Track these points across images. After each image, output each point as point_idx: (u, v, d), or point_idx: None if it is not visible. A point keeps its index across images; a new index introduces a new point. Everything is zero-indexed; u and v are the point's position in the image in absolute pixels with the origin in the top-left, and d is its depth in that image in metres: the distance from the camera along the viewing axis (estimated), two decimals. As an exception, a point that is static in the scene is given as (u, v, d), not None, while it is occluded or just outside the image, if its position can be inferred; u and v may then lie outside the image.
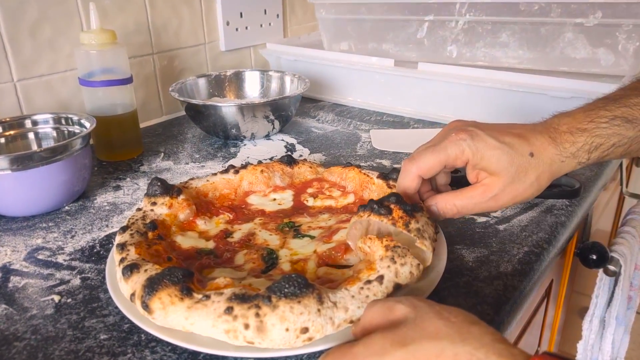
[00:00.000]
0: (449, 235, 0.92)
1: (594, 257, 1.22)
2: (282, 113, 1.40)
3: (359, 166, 1.02)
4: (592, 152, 0.73)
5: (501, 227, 0.95)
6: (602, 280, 1.32)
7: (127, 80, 1.29)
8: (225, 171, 1.04)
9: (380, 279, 0.65)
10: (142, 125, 1.55)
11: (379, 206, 0.74)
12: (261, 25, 1.91)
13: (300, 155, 1.32)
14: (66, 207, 1.07)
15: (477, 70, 1.42)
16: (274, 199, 1.02)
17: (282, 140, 1.43)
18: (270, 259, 0.79)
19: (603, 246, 1.24)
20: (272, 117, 1.39)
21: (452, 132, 0.76)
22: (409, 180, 0.79)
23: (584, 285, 1.59)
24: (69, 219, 1.03)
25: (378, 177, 0.96)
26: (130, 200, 1.10)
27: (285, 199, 1.02)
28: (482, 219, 0.98)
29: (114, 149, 1.33)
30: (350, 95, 1.70)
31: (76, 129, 1.16)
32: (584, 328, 1.38)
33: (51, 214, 1.05)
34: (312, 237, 0.86)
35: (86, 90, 1.26)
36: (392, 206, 0.74)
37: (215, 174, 1.03)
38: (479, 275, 0.81)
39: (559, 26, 1.38)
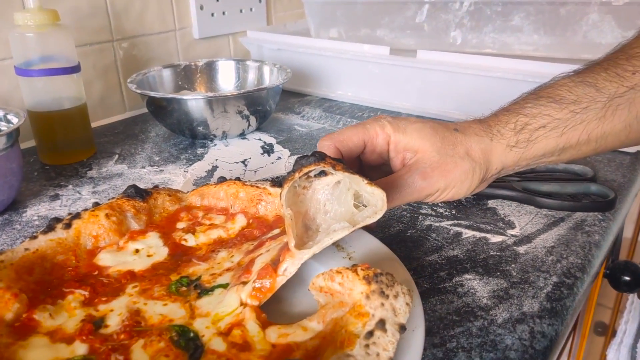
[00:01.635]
0: (456, 260, 0.73)
1: (627, 278, 1.03)
2: (258, 108, 1.20)
3: (238, 179, 0.79)
4: (519, 133, 0.68)
5: (521, 248, 0.76)
6: (633, 305, 1.14)
7: (74, 69, 1.08)
8: (50, 229, 0.68)
9: (382, 324, 0.48)
10: (101, 122, 1.36)
11: (309, 156, 0.59)
12: (241, 11, 1.67)
13: (279, 158, 1.13)
14: (-13, 221, 0.89)
15: (486, 59, 1.22)
16: (137, 250, 0.69)
17: (259, 139, 1.24)
18: (188, 341, 0.52)
19: (637, 266, 1.05)
20: (246, 112, 1.19)
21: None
22: (325, 147, 0.70)
23: (601, 295, 1.40)
24: (-13, 235, 0.85)
25: (272, 185, 0.75)
26: (67, 212, 0.91)
27: (154, 246, 0.69)
28: (497, 239, 0.79)
29: (59, 151, 1.12)
30: (340, 88, 1.51)
31: (2, 126, 0.97)
32: (610, 357, 1.19)
33: (-31, 228, 0.86)
34: (225, 286, 0.60)
35: (24, 81, 1.05)
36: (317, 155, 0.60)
37: (35, 237, 0.67)
38: (496, 318, 0.61)
39: (582, 6, 1.19)
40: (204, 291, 0.61)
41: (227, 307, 0.57)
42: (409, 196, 0.67)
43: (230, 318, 0.55)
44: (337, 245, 0.67)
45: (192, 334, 0.54)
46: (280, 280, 0.57)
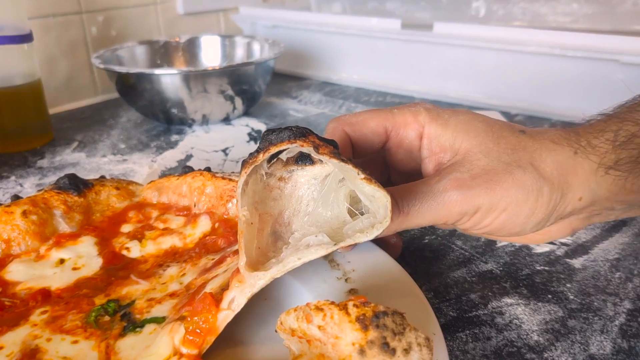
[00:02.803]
0: (490, 277, 0.54)
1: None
2: (244, 87, 1.02)
3: (208, 169, 0.60)
4: (621, 147, 0.45)
5: (577, 262, 0.58)
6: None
7: (23, 39, 0.92)
8: None
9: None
10: (66, 107, 1.20)
11: (282, 130, 0.39)
12: (233, -16, 1.52)
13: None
14: None
15: (516, 30, 1.04)
16: (62, 261, 0.52)
17: (247, 125, 1.06)
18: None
19: None
20: (230, 92, 1.01)
21: None
22: (329, 133, 0.53)
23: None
24: None
25: None
26: None
27: (85, 255, 0.52)
28: (543, 248, 0.60)
29: (7, 136, 0.94)
30: (344, 70, 1.32)
31: None
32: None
33: None
34: (160, 321, 0.44)
35: (-35, 52, 0.90)
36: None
37: None
38: (554, 364, 0.43)
39: (633, -33, 1.01)
40: (131, 325, 0.43)
41: (155, 354, 0.39)
42: (434, 212, 0.46)
43: (159, 373, 0.37)
44: (330, 259, 0.49)
45: (99, 396, 0.36)
46: (224, 316, 0.39)
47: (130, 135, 1.01)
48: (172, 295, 0.46)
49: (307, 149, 0.38)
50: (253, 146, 0.93)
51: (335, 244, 0.38)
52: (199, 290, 0.44)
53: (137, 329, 0.42)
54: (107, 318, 0.44)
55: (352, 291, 0.46)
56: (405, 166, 0.54)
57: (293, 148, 0.39)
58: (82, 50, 1.22)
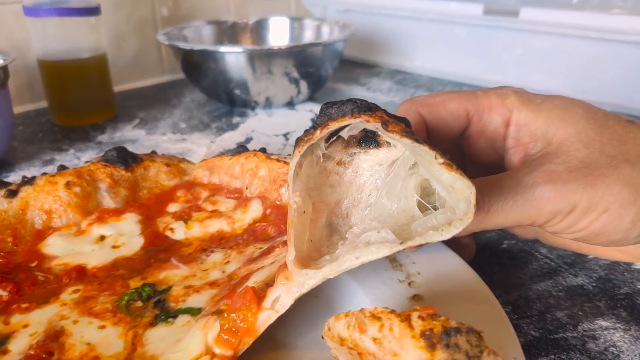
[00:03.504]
0: (581, 294, 0.46)
1: None
2: (310, 70, 0.97)
3: (264, 151, 0.55)
4: None
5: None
6: None
7: (91, 11, 0.91)
8: None
9: None
10: (133, 85, 1.19)
11: (344, 102, 0.33)
12: (307, -34, 1.47)
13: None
14: (-42, 187, 0.71)
15: (614, 18, 0.92)
16: (102, 238, 0.49)
17: (311, 111, 1.00)
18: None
19: None
20: (296, 74, 0.96)
21: None
22: (402, 112, 0.46)
23: None
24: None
25: None
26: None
27: (126, 233, 0.49)
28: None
29: (72, 110, 0.95)
30: (418, 57, 1.24)
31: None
32: None
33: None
34: (195, 312, 0.39)
35: (34, 24, 0.89)
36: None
37: None
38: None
39: None
40: (164, 314, 0.39)
41: (184, 351, 0.34)
42: (520, 210, 0.39)
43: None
44: (392, 258, 0.43)
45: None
46: (266, 317, 0.33)
47: (192, 116, 0.98)
48: (213, 284, 0.41)
49: (374, 125, 0.32)
50: (316, 132, 0.88)
51: (401, 243, 0.31)
52: (241, 282, 0.39)
53: (170, 319, 0.38)
54: (139, 304, 0.40)
55: (415, 298, 0.40)
56: (486, 158, 0.47)
57: (356, 124, 0.33)
58: (150, 29, 1.21)
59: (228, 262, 0.44)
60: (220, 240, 0.48)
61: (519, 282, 0.48)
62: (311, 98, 1.04)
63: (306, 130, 0.34)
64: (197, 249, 0.47)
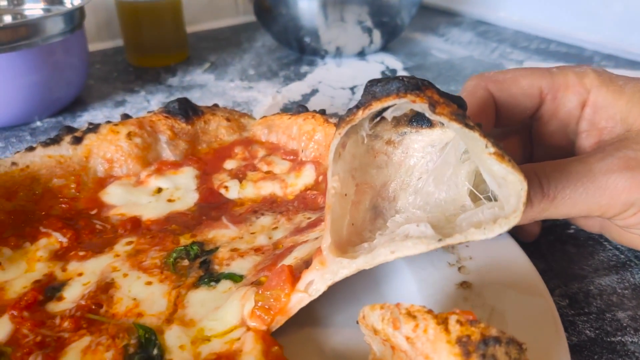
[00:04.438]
0: None
1: None
2: (385, 19, 0.93)
3: (323, 112, 0.53)
4: None
5: None
6: None
7: (168, -48, 0.91)
8: (54, 141, 0.51)
9: None
10: (207, 26, 1.19)
11: (391, 80, 0.31)
12: None
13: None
14: (37, 123, 0.75)
15: None
16: (159, 190, 0.50)
17: (382, 62, 0.96)
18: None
19: None
20: (369, 23, 0.92)
21: None
22: (468, 92, 0.43)
23: None
24: (30, 141, 0.71)
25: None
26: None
27: (182, 187, 0.50)
28: None
29: (146, 51, 0.97)
30: (504, 8, 1.15)
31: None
32: None
33: (11, 129, 0.73)
34: (237, 279, 0.39)
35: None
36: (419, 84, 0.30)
37: (33, 148, 0.50)
38: None
39: None
40: (208, 276, 0.40)
41: (221, 320, 0.35)
42: (590, 199, 0.36)
43: (220, 343, 0.33)
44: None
45: (156, 352, 0.33)
46: (299, 299, 0.33)
47: (262, 62, 0.97)
48: (257, 250, 0.42)
49: (421, 105, 0.29)
50: (385, 87, 0.85)
51: (440, 239, 0.30)
52: (284, 253, 0.38)
53: (212, 283, 0.39)
54: (186, 262, 0.41)
55: (464, 285, 0.38)
56: (556, 142, 0.43)
57: (402, 104, 0.31)
58: (227, -33, 1.19)
59: (276, 227, 0.44)
60: (271, 204, 0.48)
61: (581, 273, 0.45)
62: (384, 48, 1.00)
63: (349, 110, 0.32)
64: (248, 210, 0.47)
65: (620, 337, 0.39)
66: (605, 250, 0.47)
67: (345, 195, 0.34)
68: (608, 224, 0.44)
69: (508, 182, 0.29)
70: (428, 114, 0.29)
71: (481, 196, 0.33)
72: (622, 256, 0.47)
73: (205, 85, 0.88)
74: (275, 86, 0.87)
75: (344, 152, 0.34)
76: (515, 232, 0.47)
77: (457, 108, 0.29)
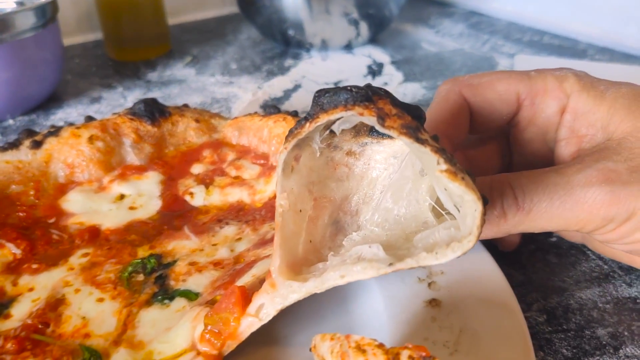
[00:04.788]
0: (633, 308, 0.41)
1: None
2: (371, 11, 0.90)
3: (295, 114, 0.52)
4: None
5: None
6: None
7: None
8: (13, 145, 0.49)
9: None
10: (190, 17, 1.16)
11: (341, 90, 0.28)
12: None
13: (385, 84, 0.83)
14: (10, 121, 0.73)
15: None
16: (122, 197, 0.47)
17: (369, 56, 0.94)
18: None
19: None
20: (356, 15, 0.89)
21: None
22: (441, 97, 0.41)
23: None
24: (1, 140, 0.69)
25: None
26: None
27: (146, 194, 0.48)
28: None
29: (124, 44, 0.94)
30: (498, -1, 1.13)
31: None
32: None
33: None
34: (192, 297, 0.37)
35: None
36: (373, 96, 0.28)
37: None
38: None
39: None
40: (162, 293, 0.38)
41: (171, 343, 0.33)
42: (567, 213, 0.34)
43: (169, 368, 0.31)
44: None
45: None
46: (249, 324, 0.31)
47: (245, 55, 0.95)
48: (217, 264, 0.39)
49: (369, 119, 0.27)
50: (369, 81, 0.82)
51: (391, 264, 0.27)
52: (244, 269, 0.36)
53: (166, 301, 0.37)
54: (141, 277, 0.39)
55: (432, 303, 0.36)
56: (534, 150, 0.41)
57: (349, 117, 0.28)
58: (212, -44, 1.16)
59: (240, 238, 0.42)
60: (237, 212, 0.46)
61: (561, 286, 0.43)
62: (372, 40, 0.98)
63: (298, 122, 0.30)
64: (212, 219, 0.45)
65: (598, 357, 0.37)
66: (589, 260, 0.45)
67: (301, 211, 0.31)
68: (589, 236, 0.42)
69: (464, 200, 0.27)
70: (378, 127, 0.27)
71: (443, 212, 0.31)
72: (606, 267, 0.44)
73: (185, 81, 0.85)
74: (257, 81, 0.84)
75: (299, 165, 0.31)
76: (495, 242, 0.45)
77: (411, 120, 0.27)
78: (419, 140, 0.26)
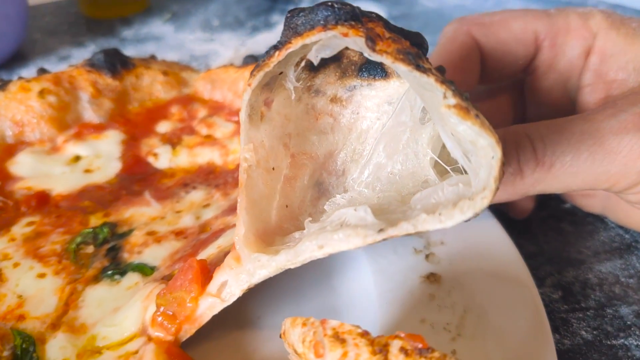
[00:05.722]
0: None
1: None
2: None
3: None
4: None
5: None
6: None
7: None
8: None
9: None
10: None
11: (317, 7, 0.22)
12: None
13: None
14: (-32, 80, 0.67)
15: None
16: (77, 158, 0.42)
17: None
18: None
19: None
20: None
21: None
22: (446, 38, 0.36)
23: None
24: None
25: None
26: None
27: (104, 155, 0.42)
28: None
29: (101, 1, 0.88)
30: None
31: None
32: None
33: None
34: (147, 272, 0.32)
35: None
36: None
37: None
38: None
39: None
40: (113, 267, 0.33)
41: (118, 326, 0.28)
42: (597, 166, 0.29)
43: (112, 358, 0.26)
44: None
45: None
46: (209, 305, 0.26)
47: (228, 11, 0.88)
48: (179, 234, 0.34)
49: (355, 40, 0.21)
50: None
51: (381, 230, 0.22)
52: (209, 239, 0.31)
53: (116, 277, 0.32)
54: (90, 249, 0.34)
55: (431, 278, 0.31)
56: (553, 100, 0.36)
57: (330, 40, 0.22)
58: None
59: (208, 205, 0.37)
60: (207, 175, 0.40)
61: (578, 257, 0.38)
62: (368, -5, 0.91)
63: (267, 51, 0.24)
64: (178, 183, 0.40)
65: (622, 340, 0.32)
66: (607, 229, 0.40)
67: (274, 169, 0.26)
68: (613, 203, 0.36)
69: (478, 147, 0.21)
70: (367, 53, 0.21)
71: (448, 168, 0.25)
72: (627, 236, 0.39)
73: (163, 38, 0.79)
74: (239, 38, 0.78)
75: (270, 112, 0.26)
76: (504, 207, 0.39)
77: (410, 46, 0.21)
78: (420, 68, 0.20)
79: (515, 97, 0.39)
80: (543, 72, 0.35)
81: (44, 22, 0.85)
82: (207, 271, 0.26)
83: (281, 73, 0.25)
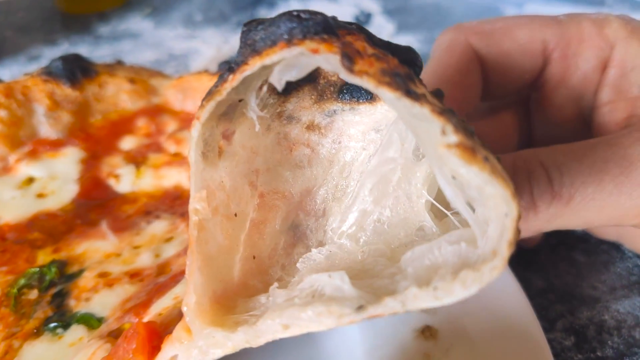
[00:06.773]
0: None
1: None
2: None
3: None
4: None
5: None
6: None
7: None
8: None
9: None
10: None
11: (282, 17, 0.18)
12: None
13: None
14: None
15: None
16: (30, 180, 0.37)
17: (356, 5, 0.82)
18: None
19: None
20: (340, -42, 0.78)
21: None
22: (442, 49, 0.32)
23: None
24: None
25: None
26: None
27: (60, 177, 0.38)
28: None
29: (76, -7, 0.83)
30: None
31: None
32: None
33: None
34: (93, 324, 0.28)
35: None
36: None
37: None
38: None
39: None
40: (57, 318, 0.28)
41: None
42: (625, 199, 0.25)
43: None
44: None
45: None
46: None
47: (213, 6, 0.83)
48: (134, 276, 0.30)
49: (327, 58, 0.17)
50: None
51: (359, 308, 0.18)
52: (166, 285, 0.27)
53: (59, 330, 0.27)
54: (34, 295, 0.30)
55: (426, 332, 0.27)
56: (563, 121, 0.31)
57: (295, 59, 0.18)
58: None
59: (171, 238, 0.33)
60: (173, 202, 0.36)
61: (592, 294, 0.34)
62: (361, -12, 0.86)
63: (220, 76, 0.19)
64: (139, 210, 0.35)
65: (648, 398, 0.28)
66: (624, 258, 0.36)
67: (236, 215, 0.21)
68: (631, 229, 0.32)
69: (485, 196, 0.16)
70: (343, 74, 0.17)
71: (448, 213, 0.21)
72: (647, 268, 0.35)
73: (141, 35, 0.74)
74: (223, 34, 0.73)
75: (232, 146, 0.21)
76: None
77: (398, 64, 0.17)
78: (411, 95, 0.16)
79: (520, 115, 0.34)
80: (553, 87, 0.31)
81: (17, 18, 0.80)
82: (156, 336, 0.22)
83: (241, 100, 0.20)
